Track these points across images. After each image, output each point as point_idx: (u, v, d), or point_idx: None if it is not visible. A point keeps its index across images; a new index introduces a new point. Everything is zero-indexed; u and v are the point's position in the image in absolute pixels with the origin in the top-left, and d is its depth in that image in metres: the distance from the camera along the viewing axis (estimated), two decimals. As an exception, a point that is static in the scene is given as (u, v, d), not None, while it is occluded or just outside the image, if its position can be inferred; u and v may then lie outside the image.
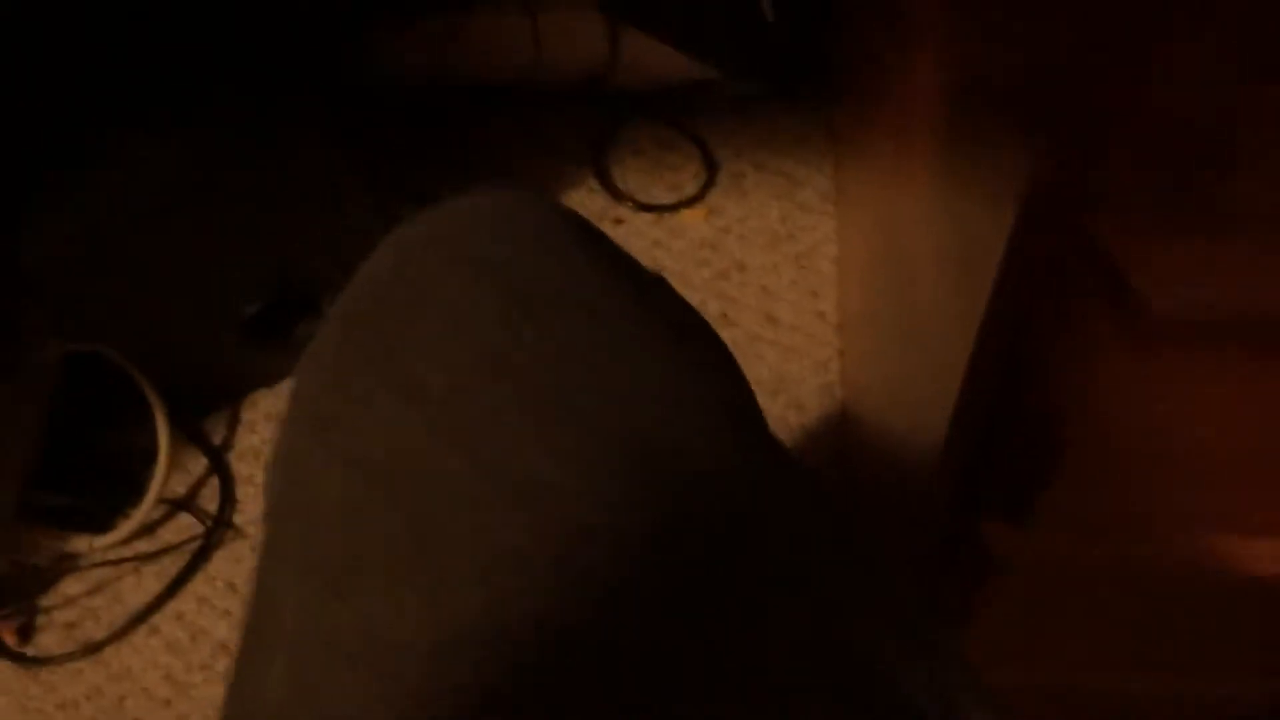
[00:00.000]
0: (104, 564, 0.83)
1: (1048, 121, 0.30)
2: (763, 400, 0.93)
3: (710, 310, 0.91)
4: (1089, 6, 0.27)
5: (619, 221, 0.96)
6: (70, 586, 0.83)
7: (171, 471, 0.86)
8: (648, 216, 0.96)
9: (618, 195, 0.97)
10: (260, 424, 0.89)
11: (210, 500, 0.86)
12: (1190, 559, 0.44)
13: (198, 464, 0.88)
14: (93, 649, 0.80)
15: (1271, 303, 0.31)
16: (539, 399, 0.30)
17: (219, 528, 0.84)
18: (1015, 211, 0.32)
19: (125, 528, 0.82)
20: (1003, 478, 0.42)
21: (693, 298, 0.93)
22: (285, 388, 0.91)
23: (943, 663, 0.29)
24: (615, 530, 0.28)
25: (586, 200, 0.97)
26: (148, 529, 0.85)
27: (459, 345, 0.31)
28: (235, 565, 0.83)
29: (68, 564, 0.84)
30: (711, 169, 0.97)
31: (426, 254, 0.34)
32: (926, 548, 0.52)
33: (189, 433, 0.88)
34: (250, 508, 0.86)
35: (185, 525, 0.85)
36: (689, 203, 0.96)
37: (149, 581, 0.83)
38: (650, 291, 0.36)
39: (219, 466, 0.87)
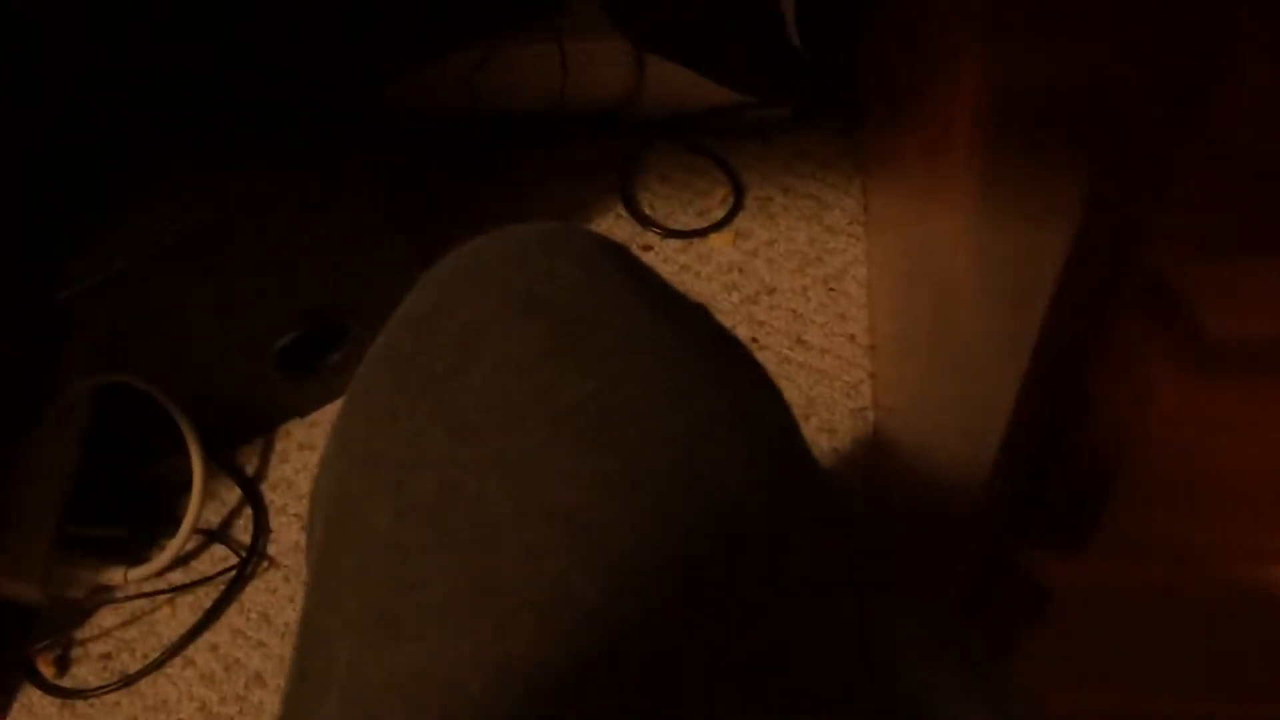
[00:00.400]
0: (139, 596, 0.84)
1: (1102, 148, 0.30)
2: (795, 424, 0.92)
3: (740, 334, 0.91)
4: (1146, 27, 0.27)
5: (647, 248, 0.96)
6: (106, 618, 0.84)
7: (206, 503, 0.86)
8: (676, 242, 0.96)
9: (645, 221, 0.97)
10: (293, 454, 0.90)
11: (244, 531, 0.86)
12: (1241, 586, 0.43)
13: (231, 494, 0.88)
14: (128, 681, 0.80)
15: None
16: (588, 433, 0.30)
17: (252, 558, 0.85)
18: (1068, 239, 0.32)
19: (160, 559, 0.82)
20: (1052, 506, 0.42)
21: (723, 322, 0.93)
22: (318, 417, 0.91)
23: (985, 686, 0.29)
24: (668, 562, 0.28)
25: (614, 227, 0.98)
26: (182, 560, 0.85)
27: (507, 382, 0.31)
28: (269, 596, 0.83)
29: (103, 596, 0.84)
30: (738, 193, 0.97)
31: (470, 289, 0.33)
32: (969, 574, 0.51)
33: (223, 463, 0.88)
34: (284, 538, 0.86)
35: (219, 556, 0.85)
36: (717, 227, 0.96)
37: (183, 613, 0.83)
38: (693, 320, 0.36)
39: (252, 497, 0.87)
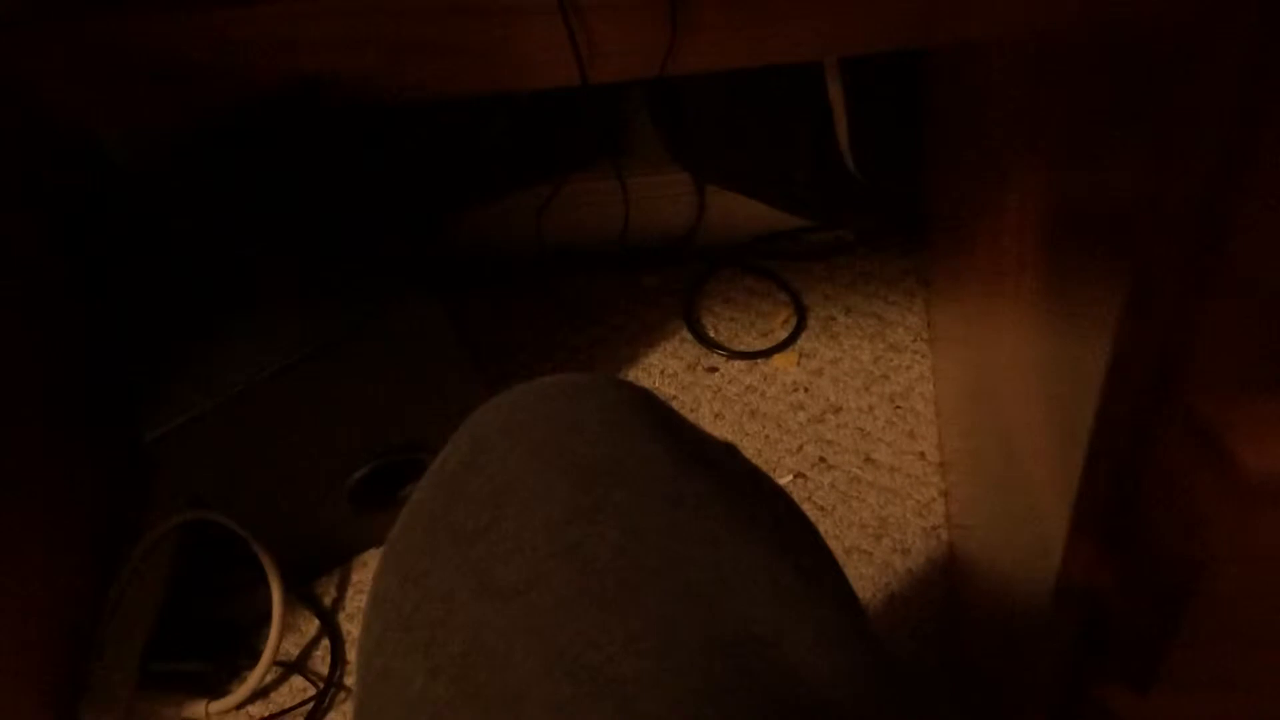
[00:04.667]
0: (220, 729, 0.85)
1: (1137, 275, 0.30)
2: (866, 544, 0.91)
3: (808, 454, 0.91)
4: (1175, 165, 0.27)
5: (712, 369, 0.97)
6: (188, 753, 0.85)
7: (284, 634, 0.87)
8: (741, 364, 0.97)
9: (710, 344, 0.98)
10: (369, 584, 0.91)
11: (321, 662, 0.87)
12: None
13: (310, 626, 0.89)
14: (209, 817, 0.81)
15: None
16: (615, 591, 0.30)
17: (330, 689, 0.85)
18: (1105, 370, 0.32)
19: (240, 692, 0.84)
20: (1117, 641, 0.41)
21: (789, 442, 0.94)
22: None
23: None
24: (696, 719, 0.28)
25: (680, 350, 0.99)
26: (262, 693, 0.86)
27: (534, 539, 0.31)
28: (345, 728, 0.84)
29: (185, 730, 0.85)
30: (801, 314, 0.98)
31: (500, 444, 0.35)
32: (1043, 703, 0.50)
33: (301, 595, 0.90)
34: (359, 669, 0.87)
35: (299, 687, 0.86)
36: (780, 348, 0.97)
37: (263, 746, 0.84)
38: (721, 466, 0.36)
39: (330, 628, 0.88)
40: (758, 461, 0.90)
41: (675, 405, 0.96)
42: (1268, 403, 0.29)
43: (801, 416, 0.93)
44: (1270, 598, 0.36)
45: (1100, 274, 0.33)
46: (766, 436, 0.93)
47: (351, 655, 0.88)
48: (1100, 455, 0.35)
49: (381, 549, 0.91)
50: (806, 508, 0.88)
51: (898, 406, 0.92)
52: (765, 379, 0.96)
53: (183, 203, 0.82)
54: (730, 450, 0.38)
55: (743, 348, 0.98)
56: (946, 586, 0.83)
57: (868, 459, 0.90)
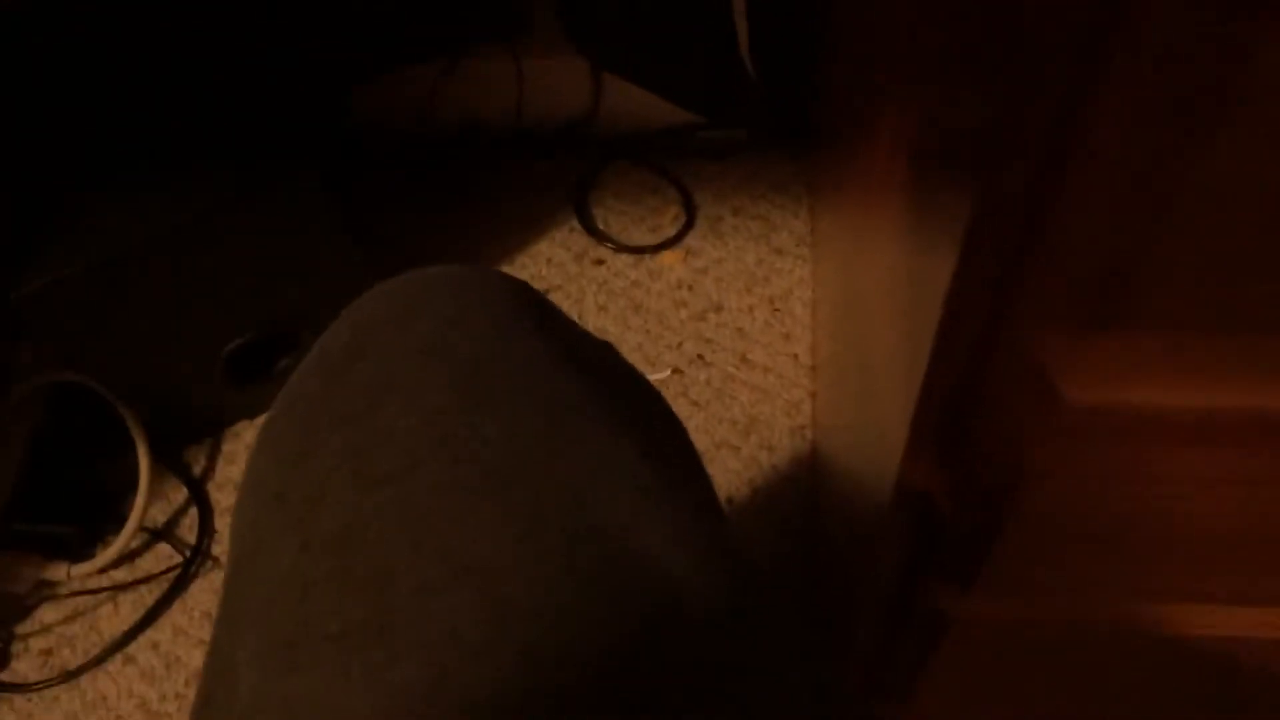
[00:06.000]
0: (82, 592, 0.84)
1: (978, 206, 0.31)
2: (735, 439, 0.94)
3: (687, 350, 0.93)
4: (1020, 93, 0.28)
5: (599, 262, 0.98)
6: (48, 614, 0.85)
7: (152, 501, 0.87)
8: (628, 257, 0.98)
9: (599, 236, 0.99)
10: (241, 455, 0.91)
11: (189, 530, 0.87)
12: (1124, 624, 0.46)
13: (178, 494, 0.89)
14: (68, 676, 0.81)
15: (1186, 395, 0.33)
16: (484, 481, 0.31)
17: (197, 558, 0.86)
18: (942, 297, 0.34)
19: (104, 556, 0.83)
20: (945, 543, 0.44)
21: (670, 338, 0.95)
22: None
23: None
24: (552, 609, 0.30)
25: (569, 240, 0.99)
26: (126, 558, 0.86)
27: (410, 428, 0.32)
28: (212, 596, 0.84)
29: (46, 591, 0.85)
30: (690, 212, 0.99)
31: (381, 334, 0.35)
32: (880, 598, 0.54)
33: (170, 463, 0.89)
34: (229, 538, 0.87)
35: (164, 555, 0.87)
36: (668, 244, 0.98)
37: (126, 610, 0.84)
38: (598, 365, 0.37)
39: (198, 497, 0.88)
40: (638, 356, 0.92)
41: (560, 295, 0.97)
42: (1092, 340, 0.31)
43: (683, 314, 0.95)
44: (1079, 513, 0.40)
45: (950, 198, 0.34)
46: (648, 331, 0.94)
47: (220, 525, 0.88)
48: (938, 371, 0.37)
49: (258, 428, 0.90)
50: (681, 403, 0.90)
51: (776, 309, 0.95)
52: (651, 274, 0.97)
53: (61, 57, 0.77)
54: (608, 349, 0.39)
55: (631, 242, 0.99)
56: (809, 484, 0.87)
57: (744, 358, 0.92)
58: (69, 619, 0.84)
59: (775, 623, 0.34)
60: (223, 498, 0.89)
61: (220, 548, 0.87)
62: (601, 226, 1.00)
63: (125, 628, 0.83)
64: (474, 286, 0.36)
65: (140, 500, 0.83)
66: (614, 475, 0.33)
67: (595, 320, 0.95)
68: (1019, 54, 0.26)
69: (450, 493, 0.31)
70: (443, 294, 0.36)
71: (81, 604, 0.85)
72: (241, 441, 0.91)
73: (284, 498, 0.33)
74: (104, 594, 0.85)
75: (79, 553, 0.84)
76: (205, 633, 0.83)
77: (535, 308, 0.37)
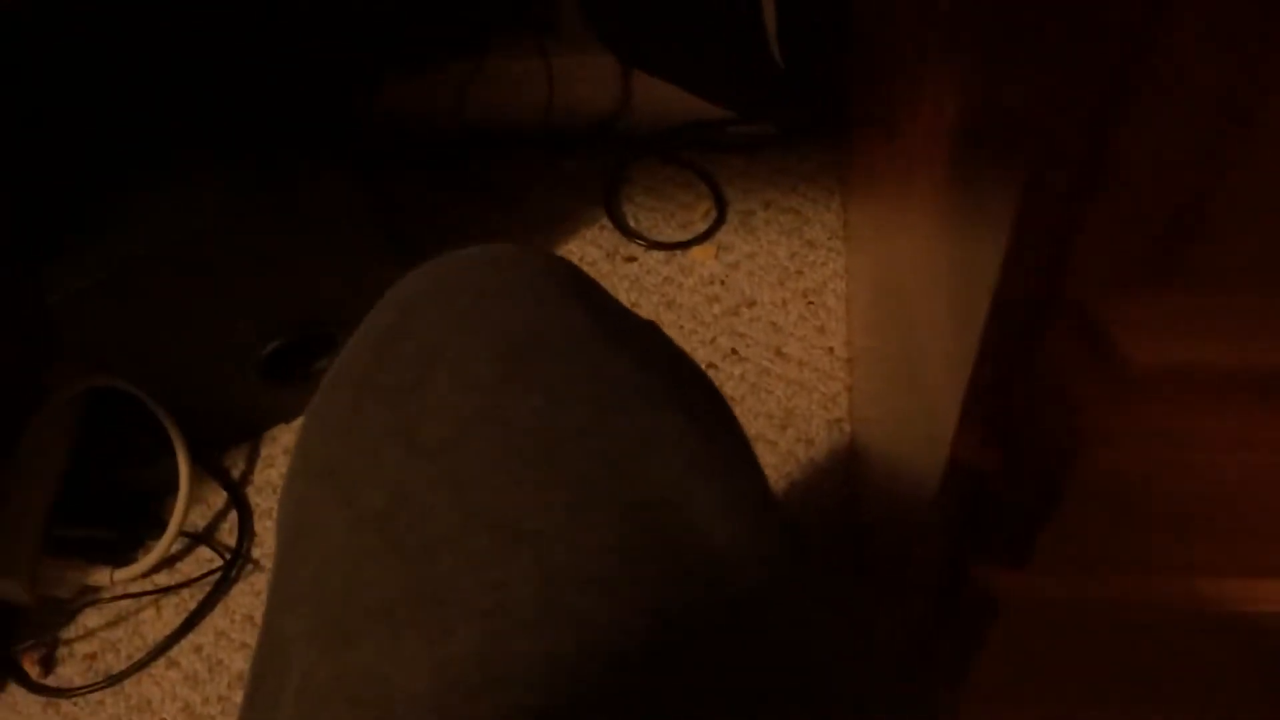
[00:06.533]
0: (124, 597, 0.85)
1: (1030, 177, 0.31)
2: (771, 434, 0.94)
3: (721, 345, 0.93)
4: (1061, 64, 0.28)
5: (630, 259, 0.98)
6: (91, 619, 0.85)
7: (191, 505, 0.87)
8: (659, 254, 0.98)
9: (629, 233, 0.98)
10: (279, 458, 0.91)
11: (229, 534, 0.88)
12: (1184, 600, 0.45)
13: (217, 498, 0.89)
14: (113, 680, 0.82)
15: (1251, 355, 0.32)
16: (534, 452, 0.31)
17: (237, 561, 0.86)
18: (999, 264, 0.33)
19: (146, 561, 0.84)
20: (998, 522, 0.43)
21: (704, 333, 0.95)
22: (303, 423, 0.93)
23: None
24: (603, 579, 0.29)
25: (599, 238, 0.99)
26: (167, 562, 0.87)
27: (459, 401, 0.32)
28: (253, 599, 0.85)
29: (89, 596, 0.85)
30: (721, 207, 0.99)
31: (428, 311, 0.35)
32: (929, 584, 0.53)
33: (209, 467, 0.89)
34: (268, 540, 0.87)
35: (204, 558, 0.87)
36: (699, 240, 0.97)
37: (169, 614, 0.84)
38: (642, 341, 0.37)
39: (238, 500, 0.88)
40: (671, 350, 0.92)
41: (592, 292, 0.97)
42: (1149, 299, 0.31)
43: (716, 309, 0.95)
44: (1139, 482, 0.39)
45: (998, 175, 0.34)
46: (681, 327, 0.94)
47: (260, 528, 0.88)
48: (991, 347, 0.37)
49: (297, 420, 0.91)
50: (716, 397, 0.90)
51: (810, 302, 0.94)
52: (683, 270, 0.97)
53: (94, 56, 0.78)
54: (652, 326, 0.39)
55: (662, 238, 0.98)
56: (847, 476, 0.86)
57: (778, 352, 0.92)
58: (112, 624, 0.85)
59: (824, 593, 0.33)
60: (262, 501, 0.89)
61: (260, 550, 0.87)
62: (632, 224, 0.99)
63: (168, 632, 0.83)
64: (517, 263, 0.36)
65: (180, 504, 0.84)
66: (661, 446, 0.32)
67: (628, 317, 0.95)
68: (1071, 33, 0.26)
69: (499, 463, 0.31)
70: (486, 270, 0.36)
71: (124, 608, 0.85)
72: (279, 445, 0.92)
73: (332, 472, 0.33)
74: (146, 598, 0.85)
75: (121, 558, 0.85)
76: (247, 636, 0.84)
77: (579, 283, 0.37)
